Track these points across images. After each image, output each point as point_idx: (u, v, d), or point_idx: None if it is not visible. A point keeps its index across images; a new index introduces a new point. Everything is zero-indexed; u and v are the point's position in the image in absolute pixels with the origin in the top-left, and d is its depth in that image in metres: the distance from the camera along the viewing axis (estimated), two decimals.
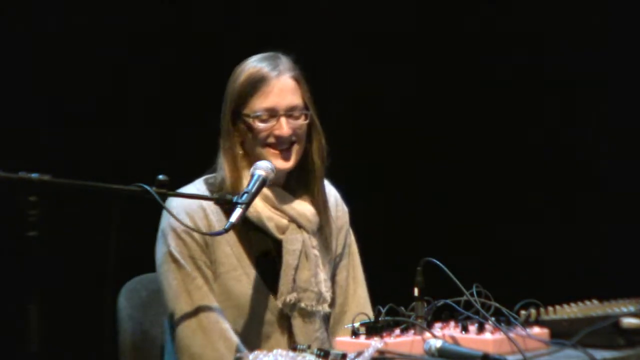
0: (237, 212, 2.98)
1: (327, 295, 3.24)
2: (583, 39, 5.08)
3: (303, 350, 2.61)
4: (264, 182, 3.08)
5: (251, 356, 2.59)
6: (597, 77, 5.09)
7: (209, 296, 3.13)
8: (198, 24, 4.86)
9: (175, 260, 3.14)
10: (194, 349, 3.09)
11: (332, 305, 3.31)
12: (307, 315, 3.21)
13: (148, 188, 2.89)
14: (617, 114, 5.09)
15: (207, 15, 4.88)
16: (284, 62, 3.21)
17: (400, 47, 5.24)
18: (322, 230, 3.30)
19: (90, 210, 4.18)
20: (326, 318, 3.30)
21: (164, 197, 2.96)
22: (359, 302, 3.38)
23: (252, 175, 3.08)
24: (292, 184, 3.25)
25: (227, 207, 3.14)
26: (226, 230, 2.97)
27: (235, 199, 3.01)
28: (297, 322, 3.20)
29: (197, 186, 3.22)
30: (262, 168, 3.09)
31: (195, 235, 3.14)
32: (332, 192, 3.40)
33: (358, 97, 5.23)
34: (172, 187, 2.96)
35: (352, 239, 3.44)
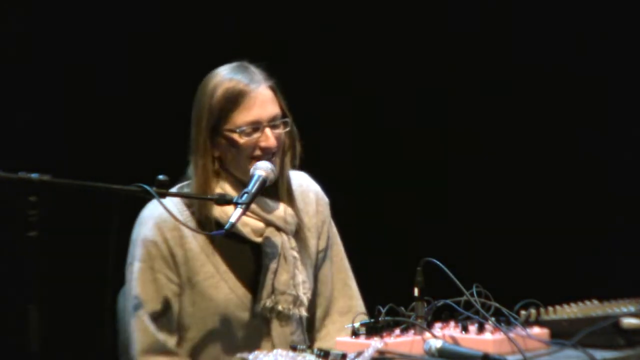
0: (237, 213, 2.98)
1: (304, 298, 3.22)
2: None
3: (303, 350, 2.61)
4: (264, 182, 3.07)
5: (251, 356, 2.59)
6: (597, 76, 5.09)
7: (153, 320, 3.12)
8: (199, 24, 4.86)
9: (135, 270, 3.13)
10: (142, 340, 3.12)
11: (313, 304, 3.30)
12: (283, 318, 3.20)
13: (148, 188, 2.90)
14: (619, 114, 5.09)
15: (206, 15, 4.88)
16: (257, 72, 3.19)
17: (400, 46, 5.24)
18: (300, 231, 3.29)
19: (90, 210, 4.19)
20: (302, 321, 3.28)
21: (164, 198, 2.96)
22: (348, 292, 3.37)
23: (252, 176, 3.08)
24: (266, 187, 3.20)
25: (201, 217, 3.14)
26: (226, 231, 2.97)
27: (235, 199, 3.01)
28: (274, 325, 3.19)
29: (170, 197, 3.17)
30: (262, 168, 3.09)
31: (163, 249, 3.13)
32: (312, 187, 3.39)
33: (360, 97, 5.23)
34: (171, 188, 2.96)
35: (334, 230, 3.42)
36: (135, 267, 3.14)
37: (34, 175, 2.71)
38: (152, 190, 2.89)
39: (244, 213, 3.00)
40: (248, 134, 3.13)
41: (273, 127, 3.16)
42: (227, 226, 2.97)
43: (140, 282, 3.12)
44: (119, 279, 3.17)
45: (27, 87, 4.56)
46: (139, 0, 4.74)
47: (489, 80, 5.20)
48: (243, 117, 3.14)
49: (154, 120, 4.74)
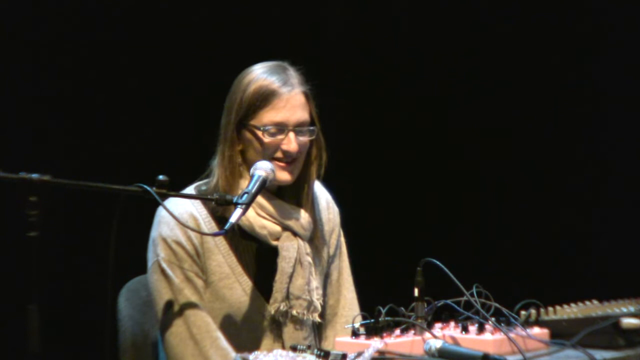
0: (237, 213, 2.97)
1: (318, 304, 3.23)
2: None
3: (303, 351, 2.61)
4: (264, 183, 3.07)
5: (251, 356, 2.59)
6: (597, 76, 5.09)
7: (198, 306, 3.12)
8: (199, 24, 4.86)
9: (163, 271, 3.13)
10: (186, 358, 3.09)
11: (322, 312, 3.30)
12: (297, 322, 3.20)
13: (148, 188, 2.89)
14: (619, 114, 5.09)
15: (206, 14, 4.88)
16: (294, 75, 3.19)
17: (401, 48, 5.25)
18: (315, 238, 3.29)
19: (91, 210, 4.19)
20: (315, 326, 3.29)
21: (164, 198, 2.96)
22: (346, 305, 3.37)
23: (252, 176, 3.07)
24: (285, 192, 3.23)
25: (219, 215, 3.15)
26: (226, 231, 2.96)
27: (235, 199, 3.00)
28: (287, 329, 3.19)
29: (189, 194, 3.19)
30: (262, 168, 3.09)
31: (186, 245, 3.14)
32: (323, 195, 3.39)
33: (359, 96, 5.23)
34: (172, 188, 2.96)
35: (342, 240, 3.43)
36: (165, 267, 3.13)
37: (34, 175, 2.71)
38: (152, 190, 2.89)
39: (243, 213, 2.99)
40: (272, 134, 3.14)
41: (298, 132, 3.15)
42: (226, 226, 2.96)
43: (175, 288, 3.11)
44: (119, 278, 3.17)
45: (27, 86, 4.56)
46: (140, 0, 4.75)
47: (489, 80, 5.20)
48: (270, 116, 3.14)
49: (154, 120, 4.75)
